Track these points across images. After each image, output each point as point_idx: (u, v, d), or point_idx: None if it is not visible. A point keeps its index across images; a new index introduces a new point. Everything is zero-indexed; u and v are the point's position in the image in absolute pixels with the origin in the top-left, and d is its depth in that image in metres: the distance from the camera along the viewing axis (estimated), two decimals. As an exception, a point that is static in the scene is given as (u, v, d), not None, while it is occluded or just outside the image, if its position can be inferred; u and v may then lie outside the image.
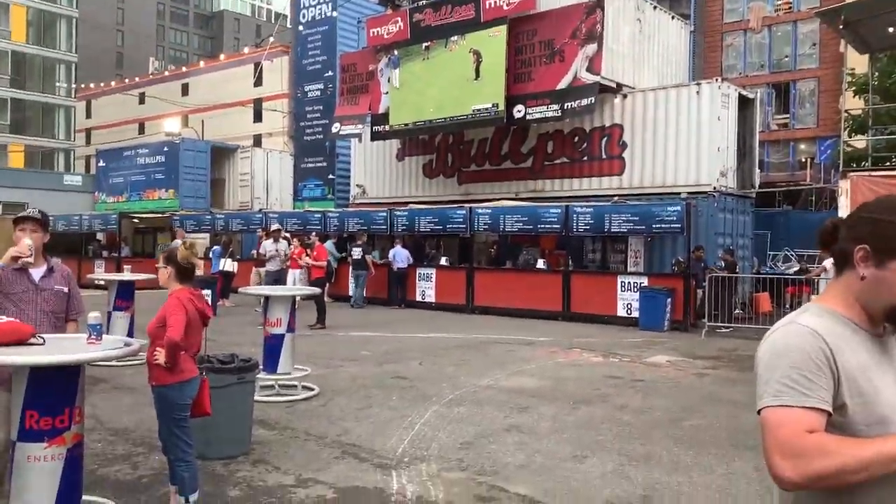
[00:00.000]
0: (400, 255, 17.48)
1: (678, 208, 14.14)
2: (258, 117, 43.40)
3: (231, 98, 43.06)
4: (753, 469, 5.32)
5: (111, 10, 79.14)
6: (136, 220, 27.50)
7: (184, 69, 52.08)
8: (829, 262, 12.61)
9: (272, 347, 7.40)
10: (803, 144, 34.67)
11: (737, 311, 15.08)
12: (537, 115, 17.40)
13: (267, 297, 7.54)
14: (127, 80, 53.84)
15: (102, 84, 54.41)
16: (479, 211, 17.02)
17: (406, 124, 19.61)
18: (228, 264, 16.59)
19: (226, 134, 36.92)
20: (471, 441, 5.95)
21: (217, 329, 13.30)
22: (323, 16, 27.53)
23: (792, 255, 21.03)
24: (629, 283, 14.84)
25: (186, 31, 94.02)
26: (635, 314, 14.42)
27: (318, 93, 26.62)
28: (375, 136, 20.85)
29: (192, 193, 26.28)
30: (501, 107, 17.53)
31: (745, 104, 17.92)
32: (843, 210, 12.27)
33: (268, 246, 13.48)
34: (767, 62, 34.52)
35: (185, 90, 47.68)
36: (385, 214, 18.65)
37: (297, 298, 8.10)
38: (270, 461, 5.39)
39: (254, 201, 26.84)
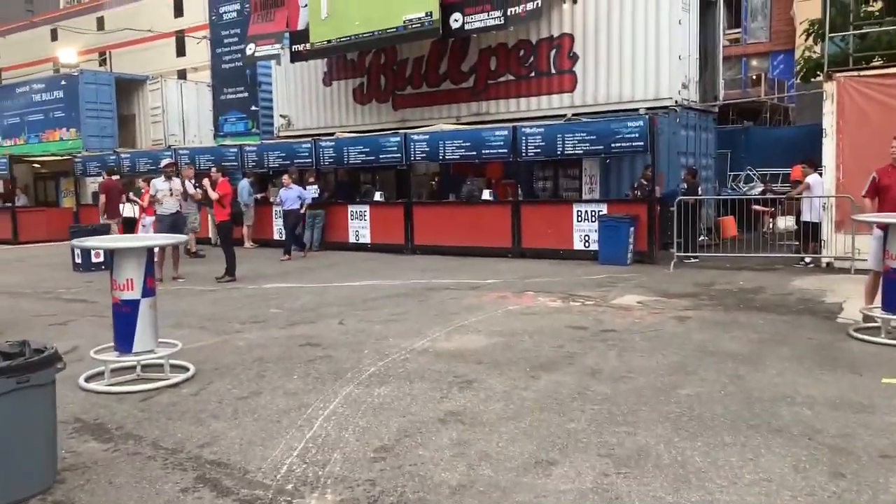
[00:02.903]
0: (286, 195, 14.68)
1: (640, 123, 12.42)
2: (181, 51, 39.96)
3: (151, 30, 39.40)
4: (792, 470, 3.69)
5: (13, -63, 72.04)
6: (36, 165, 24.57)
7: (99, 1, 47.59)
8: (812, 178, 11.10)
9: (123, 318, 5.43)
10: (755, 60, 33.32)
11: (701, 237, 13.68)
12: (477, 25, 15.23)
13: (112, 252, 5.52)
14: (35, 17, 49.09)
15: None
16: (415, 138, 15.00)
17: (329, 41, 17.14)
18: (128, 209, 14.27)
19: (147, 70, 33.57)
20: (390, 445, 4.18)
21: (95, 288, 10.99)
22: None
23: (755, 175, 19.68)
24: (586, 212, 13.16)
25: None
26: (594, 247, 12.83)
27: (235, 14, 23.63)
28: (296, 57, 18.37)
29: (98, 132, 23.37)
30: (436, 16, 15.26)
31: (706, 7, 16.21)
32: (829, 116, 10.66)
33: (158, 185, 11.29)
34: (719, -28, 32.74)
35: (100, 24, 43.65)
36: (309, 146, 16.50)
37: (157, 250, 6.05)
38: (80, 503, 3.53)
39: (168, 138, 24.10)
